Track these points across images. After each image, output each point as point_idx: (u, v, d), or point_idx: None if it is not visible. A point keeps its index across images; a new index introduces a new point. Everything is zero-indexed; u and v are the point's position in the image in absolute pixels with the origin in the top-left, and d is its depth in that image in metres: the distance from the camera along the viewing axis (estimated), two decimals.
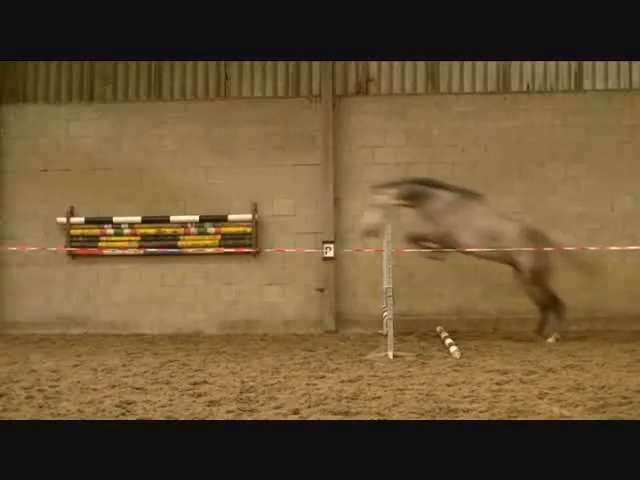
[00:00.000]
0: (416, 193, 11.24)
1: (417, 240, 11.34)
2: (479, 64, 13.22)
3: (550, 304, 11.31)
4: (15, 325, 13.21)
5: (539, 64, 13.12)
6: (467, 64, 13.22)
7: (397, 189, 11.24)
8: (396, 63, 13.30)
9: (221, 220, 13.15)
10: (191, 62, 13.42)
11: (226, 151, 13.34)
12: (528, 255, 11.00)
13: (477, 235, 11.09)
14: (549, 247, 11.11)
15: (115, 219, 13.22)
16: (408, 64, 13.30)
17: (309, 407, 6.00)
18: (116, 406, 6.10)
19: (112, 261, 13.34)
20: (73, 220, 13.31)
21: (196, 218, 13.15)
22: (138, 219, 13.22)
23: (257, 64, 13.40)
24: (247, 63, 13.41)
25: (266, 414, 5.77)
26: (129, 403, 6.22)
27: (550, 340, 10.84)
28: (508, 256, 11.13)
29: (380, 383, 7.17)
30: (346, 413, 5.77)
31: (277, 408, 5.99)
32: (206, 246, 13.12)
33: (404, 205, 11.36)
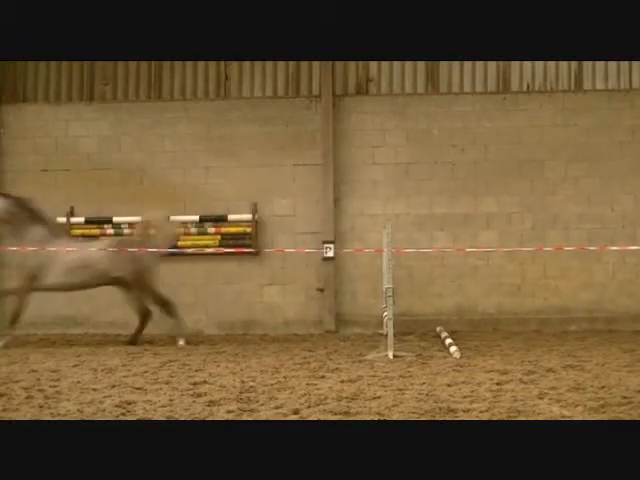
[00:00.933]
0: (18, 215, 11.08)
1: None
2: (479, 64, 13.23)
3: (161, 306, 11.37)
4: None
5: (539, 64, 13.14)
6: (467, 64, 13.23)
7: (8, 201, 11.11)
8: (396, 63, 13.31)
9: (221, 220, 13.16)
10: (191, 62, 13.43)
11: (226, 151, 13.35)
12: (121, 267, 11.08)
13: (66, 270, 11.07)
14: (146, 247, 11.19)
15: (115, 219, 13.23)
16: (408, 64, 13.31)
17: (309, 407, 5.99)
18: (116, 406, 6.09)
19: None
20: (73, 220, 13.32)
21: (196, 218, 13.15)
22: (138, 219, 13.20)
23: (257, 64, 13.41)
24: (247, 63, 13.42)
25: (266, 414, 5.77)
26: (129, 403, 6.22)
27: (181, 343, 10.95)
28: (105, 277, 11.20)
29: (380, 383, 7.16)
30: (346, 413, 5.76)
31: (277, 408, 5.99)
32: (206, 246, 13.12)
33: (4, 220, 11.08)
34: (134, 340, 11.32)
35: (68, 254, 11.09)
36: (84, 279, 11.19)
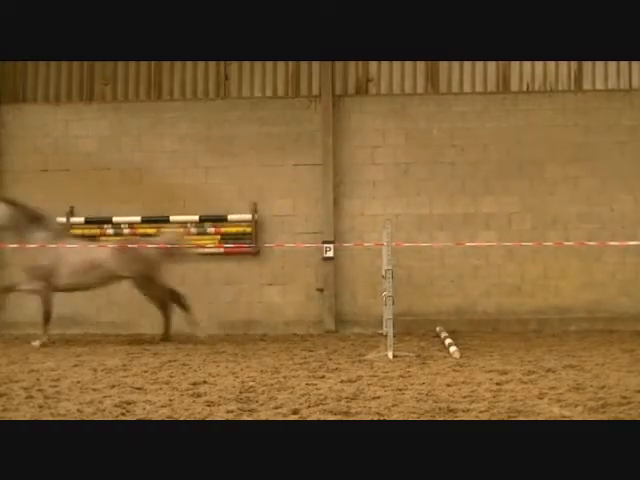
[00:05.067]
0: (20, 220, 11.14)
1: (10, 290, 11.52)
2: (479, 64, 13.23)
3: (173, 299, 11.48)
4: (15, 325, 13.19)
5: (539, 64, 13.14)
6: (467, 64, 13.23)
7: (10, 206, 11.17)
8: (396, 63, 13.31)
9: (221, 220, 13.15)
10: (191, 62, 13.43)
11: (226, 151, 13.35)
12: (128, 266, 11.20)
13: (76, 271, 11.21)
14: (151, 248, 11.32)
15: (115, 219, 13.22)
16: (408, 64, 13.31)
17: (309, 407, 6.00)
18: (116, 406, 6.10)
19: None
20: (73, 220, 13.31)
21: (196, 218, 13.15)
22: (138, 219, 13.22)
23: (257, 64, 13.40)
24: (247, 63, 13.42)
25: (266, 414, 5.77)
26: (129, 403, 6.22)
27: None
28: (114, 276, 11.36)
29: (380, 383, 7.16)
30: (346, 413, 5.77)
31: (277, 408, 5.99)
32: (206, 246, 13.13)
33: (7, 226, 11.16)
34: (167, 336, 11.33)
35: (76, 255, 11.18)
36: (94, 279, 11.34)
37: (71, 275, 11.21)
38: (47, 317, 11.38)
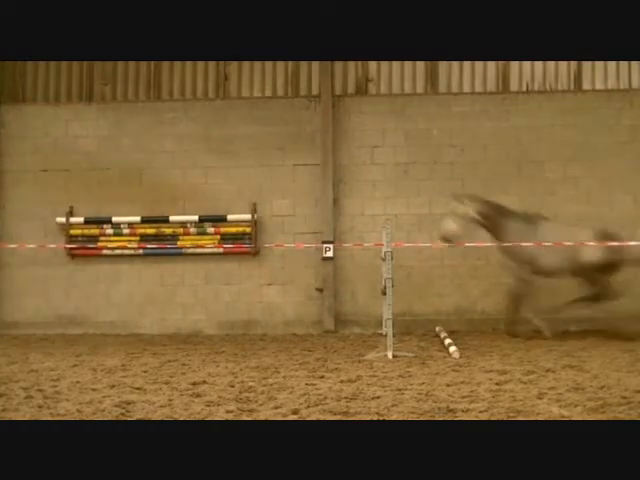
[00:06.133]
0: (490, 215, 11.34)
1: (518, 296, 11.47)
2: (478, 64, 13.23)
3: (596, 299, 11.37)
4: (15, 325, 13.20)
5: (538, 64, 13.14)
6: (466, 64, 13.23)
7: (478, 204, 11.34)
8: (395, 63, 13.31)
9: (220, 220, 13.15)
10: (191, 62, 13.43)
11: (226, 151, 13.35)
12: (597, 253, 11.02)
13: (557, 254, 11.10)
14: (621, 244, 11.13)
15: (114, 219, 13.22)
16: (407, 64, 13.31)
17: (308, 407, 6.00)
18: (115, 406, 6.10)
19: (112, 261, 13.33)
20: (73, 220, 13.31)
21: (195, 218, 13.15)
22: (137, 219, 13.22)
23: (256, 64, 13.40)
24: (246, 63, 13.42)
25: (265, 414, 5.78)
26: (128, 403, 6.23)
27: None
28: (581, 261, 11.14)
29: (379, 383, 7.17)
30: (345, 413, 5.77)
31: (276, 408, 5.99)
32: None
33: (479, 222, 11.37)
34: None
35: (554, 237, 11.06)
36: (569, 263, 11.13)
37: (554, 258, 11.07)
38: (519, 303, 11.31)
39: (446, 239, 11.37)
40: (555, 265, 11.27)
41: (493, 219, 11.35)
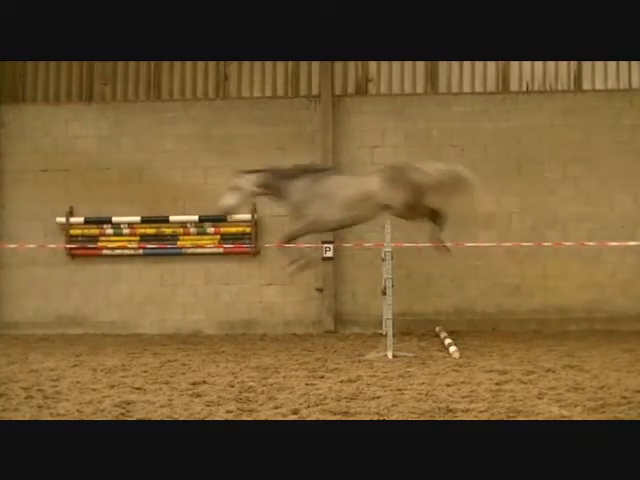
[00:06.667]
0: (271, 185, 10.68)
1: (291, 239, 10.85)
2: (478, 64, 13.24)
3: (433, 217, 10.56)
4: (15, 325, 13.21)
5: (538, 64, 13.15)
6: (466, 64, 13.24)
7: (256, 177, 10.66)
8: (395, 63, 13.31)
9: (220, 220, 13.15)
10: (190, 62, 13.43)
11: (226, 151, 13.35)
12: (397, 194, 10.19)
13: (345, 206, 10.44)
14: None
15: (114, 219, 13.23)
16: (407, 64, 13.32)
17: (308, 407, 5.99)
18: (115, 406, 6.10)
19: (112, 261, 13.34)
20: (72, 220, 13.32)
21: (195, 218, 13.15)
22: (137, 219, 13.23)
23: (256, 64, 13.41)
24: (246, 63, 13.43)
25: (265, 414, 5.77)
26: (128, 403, 6.22)
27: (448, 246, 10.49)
28: (381, 206, 10.42)
29: (379, 383, 7.16)
30: (345, 413, 5.77)
31: (276, 408, 5.99)
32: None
33: (263, 194, 10.80)
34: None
35: (341, 191, 10.47)
36: (363, 212, 10.56)
37: (341, 211, 10.49)
38: (291, 239, 10.71)
39: (226, 212, 10.86)
40: (342, 216, 10.50)
41: (275, 186, 10.65)
